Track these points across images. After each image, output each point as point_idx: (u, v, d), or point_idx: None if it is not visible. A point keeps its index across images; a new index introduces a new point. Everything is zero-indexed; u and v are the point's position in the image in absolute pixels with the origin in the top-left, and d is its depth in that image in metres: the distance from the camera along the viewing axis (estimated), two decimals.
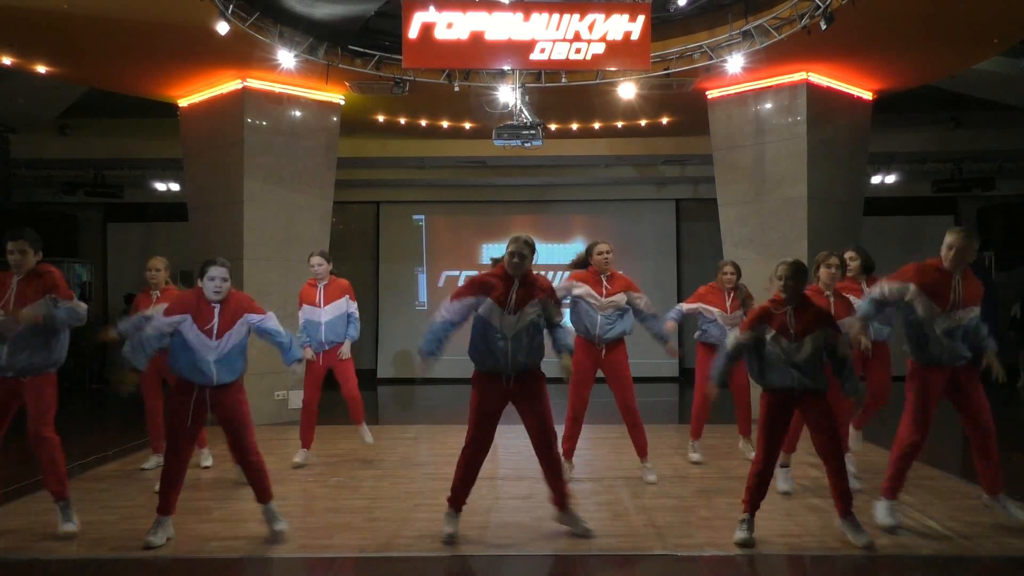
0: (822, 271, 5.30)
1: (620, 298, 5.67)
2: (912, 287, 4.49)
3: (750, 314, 4.54)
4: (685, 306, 6.41)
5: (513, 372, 4.41)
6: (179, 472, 4.40)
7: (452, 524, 4.48)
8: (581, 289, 5.68)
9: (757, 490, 4.33)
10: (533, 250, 4.44)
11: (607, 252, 5.74)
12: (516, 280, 4.42)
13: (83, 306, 4.61)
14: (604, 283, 5.68)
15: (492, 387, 4.44)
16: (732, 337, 4.47)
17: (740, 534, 4.30)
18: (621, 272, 5.87)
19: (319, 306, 6.32)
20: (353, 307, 6.46)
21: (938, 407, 4.52)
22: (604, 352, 5.68)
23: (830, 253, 5.35)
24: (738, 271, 6.37)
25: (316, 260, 6.45)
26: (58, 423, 4.57)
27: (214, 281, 4.44)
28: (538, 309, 4.43)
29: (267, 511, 4.56)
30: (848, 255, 5.68)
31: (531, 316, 4.40)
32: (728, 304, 6.26)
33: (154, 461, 6.28)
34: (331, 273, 6.48)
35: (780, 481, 5.31)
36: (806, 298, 4.40)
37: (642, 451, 5.81)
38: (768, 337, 4.32)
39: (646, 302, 5.75)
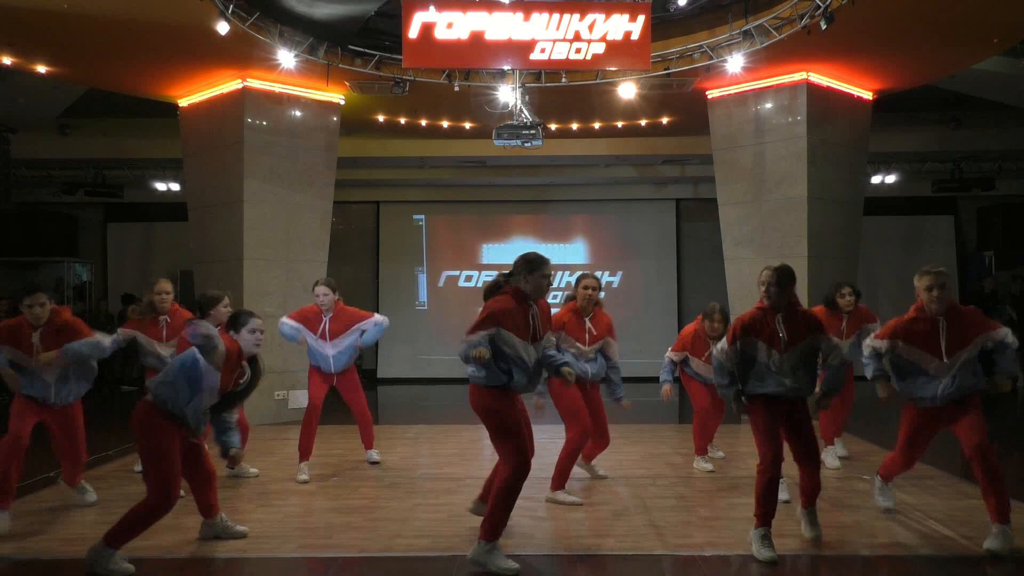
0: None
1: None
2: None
3: (732, 326, 4.40)
4: (674, 355, 6.21)
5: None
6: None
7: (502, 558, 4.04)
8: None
9: (768, 497, 4.19)
10: None
11: (593, 288, 5.50)
12: (533, 305, 4.20)
13: (106, 342, 5.05)
14: (588, 326, 5.50)
15: (514, 401, 4.24)
16: (721, 356, 4.35)
17: (766, 552, 4.09)
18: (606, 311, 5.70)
19: (326, 340, 6.07)
20: (369, 323, 6.14)
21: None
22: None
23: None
24: (725, 320, 6.08)
25: (321, 290, 6.06)
26: None
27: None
28: (550, 339, 4.38)
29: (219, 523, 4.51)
30: (846, 290, 6.21)
31: (544, 346, 4.29)
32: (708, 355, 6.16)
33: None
34: (338, 300, 6.18)
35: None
36: (794, 305, 4.31)
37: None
38: (759, 348, 4.26)
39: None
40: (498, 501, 4.02)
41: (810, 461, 4.35)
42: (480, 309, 4.23)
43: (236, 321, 4.29)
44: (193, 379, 4.06)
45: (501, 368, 4.10)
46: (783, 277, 4.26)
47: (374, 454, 6.62)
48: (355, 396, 6.36)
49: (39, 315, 4.90)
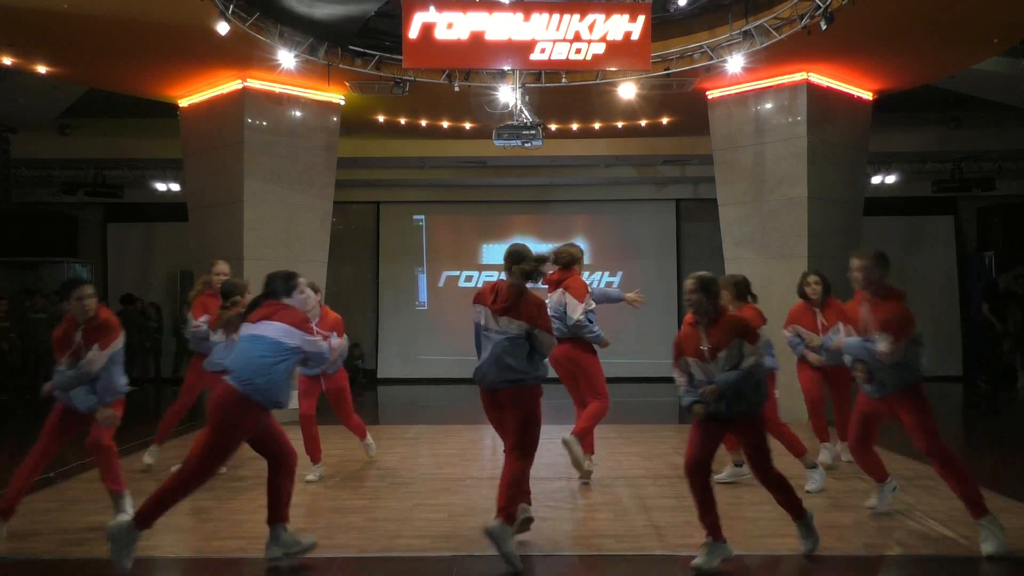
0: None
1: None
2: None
3: (674, 349, 4.27)
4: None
5: None
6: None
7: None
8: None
9: (698, 499, 4.13)
10: None
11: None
12: None
13: (98, 360, 4.47)
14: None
15: None
16: (676, 379, 4.28)
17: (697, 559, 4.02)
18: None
19: None
20: (337, 341, 5.91)
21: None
22: None
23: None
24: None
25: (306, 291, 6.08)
26: None
27: (304, 294, 4.26)
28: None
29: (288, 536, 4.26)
30: (811, 279, 6.04)
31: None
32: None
33: (155, 453, 6.28)
34: (322, 304, 6.09)
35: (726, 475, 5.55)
36: (720, 312, 4.15)
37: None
38: (690, 364, 4.12)
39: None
40: (514, 488, 4.15)
41: (767, 477, 4.16)
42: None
43: (285, 285, 4.17)
44: (291, 376, 4.14)
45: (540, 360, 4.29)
46: (705, 284, 4.12)
47: (371, 446, 6.61)
48: (342, 407, 6.30)
49: (88, 308, 4.47)
